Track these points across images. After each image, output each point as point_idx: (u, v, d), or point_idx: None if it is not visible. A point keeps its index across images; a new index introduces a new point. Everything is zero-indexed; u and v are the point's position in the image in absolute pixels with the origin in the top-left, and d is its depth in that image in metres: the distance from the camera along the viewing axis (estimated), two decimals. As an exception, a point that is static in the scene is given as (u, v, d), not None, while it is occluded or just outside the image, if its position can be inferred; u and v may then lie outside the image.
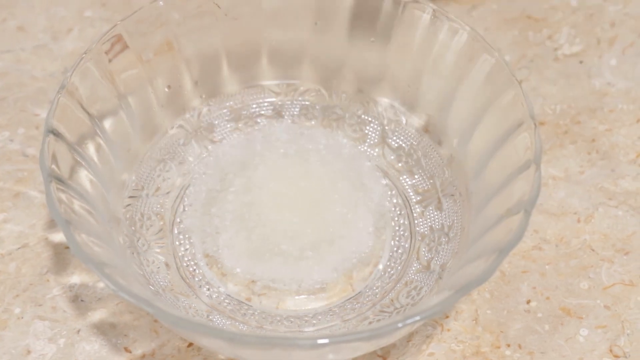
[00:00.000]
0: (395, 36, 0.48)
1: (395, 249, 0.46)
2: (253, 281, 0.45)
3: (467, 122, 0.46)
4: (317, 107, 0.51)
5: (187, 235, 0.46)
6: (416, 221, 0.47)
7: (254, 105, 0.51)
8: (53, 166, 0.40)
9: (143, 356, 0.44)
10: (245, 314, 0.44)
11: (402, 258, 0.46)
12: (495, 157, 0.44)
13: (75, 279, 0.46)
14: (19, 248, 0.47)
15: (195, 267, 0.45)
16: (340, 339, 0.36)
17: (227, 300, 0.44)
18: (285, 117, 0.51)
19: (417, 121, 0.49)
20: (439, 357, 0.44)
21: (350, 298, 0.44)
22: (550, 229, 0.48)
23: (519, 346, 0.45)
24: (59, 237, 0.48)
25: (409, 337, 0.45)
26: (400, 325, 0.37)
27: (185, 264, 0.45)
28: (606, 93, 0.54)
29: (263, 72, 0.51)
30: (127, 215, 0.46)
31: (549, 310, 0.46)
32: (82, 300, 0.46)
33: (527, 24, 0.58)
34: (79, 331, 0.45)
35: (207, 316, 0.43)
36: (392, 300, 0.44)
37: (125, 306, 0.45)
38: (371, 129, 0.50)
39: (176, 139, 0.49)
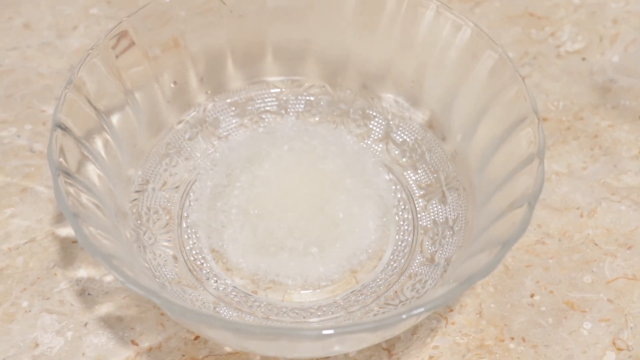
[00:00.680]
0: (399, 32, 0.48)
1: (399, 242, 0.47)
2: (258, 275, 0.45)
3: (470, 117, 0.47)
4: (322, 102, 0.51)
5: (193, 230, 0.47)
6: (419, 215, 0.47)
7: (259, 101, 0.51)
8: (61, 160, 0.41)
9: (150, 349, 0.44)
10: (251, 305, 0.44)
11: (406, 251, 0.46)
12: (499, 151, 0.44)
13: (82, 272, 0.47)
14: (26, 242, 0.48)
15: (202, 261, 0.46)
16: (345, 330, 0.36)
17: (233, 293, 0.45)
18: (290, 113, 0.51)
19: (421, 116, 0.50)
20: (443, 350, 0.45)
21: (355, 291, 0.45)
22: (553, 224, 0.49)
23: (523, 339, 0.45)
24: (66, 231, 0.48)
25: (414, 331, 0.45)
26: (404, 316, 0.37)
27: (192, 258, 0.46)
28: (608, 89, 0.55)
29: (268, 69, 0.51)
30: (134, 210, 0.46)
31: (552, 303, 0.46)
32: (89, 294, 0.46)
33: (530, 21, 0.58)
34: (86, 324, 0.45)
35: (214, 308, 0.44)
36: (396, 292, 0.44)
37: (131, 299, 0.46)
38: (375, 124, 0.50)
39: (182, 134, 0.50)
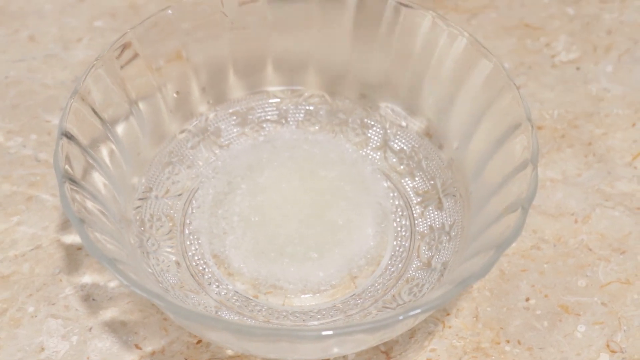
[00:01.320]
0: (396, 43, 0.50)
1: (397, 248, 0.48)
2: (259, 280, 0.46)
3: (466, 125, 0.48)
4: (321, 112, 0.52)
5: (195, 236, 0.48)
6: (416, 221, 0.48)
7: (260, 111, 0.52)
8: (67, 167, 0.42)
9: (153, 353, 0.45)
10: (252, 310, 0.45)
11: (403, 256, 0.47)
12: (494, 158, 0.45)
13: (87, 279, 0.48)
14: (32, 249, 0.49)
15: (204, 266, 0.47)
16: (344, 331, 0.37)
17: (235, 297, 0.46)
18: (290, 122, 0.52)
19: (418, 125, 0.51)
20: (440, 353, 0.45)
21: (354, 295, 0.46)
22: (548, 229, 0.50)
23: (518, 342, 0.46)
24: (71, 238, 0.49)
25: (411, 334, 0.46)
26: (401, 317, 0.38)
27: (194, 263, 0.47)
28: (602, 98, 0.56)
29: (268, 79, 0.52)
30: (138, 217, 0.47)
31: (547, 307, 0.47)
32: (93, 299, 0.47)
33: (525, 32, 0.59)
34: (90, 329, 0.46)
35: (216, 312, 0.45)
36: (394, 296, 0.45)
37: (135, 304, 0.47)
38: (374, 133, 0.52)
39: (184, 143, 0.51)
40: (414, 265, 0.46)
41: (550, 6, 0.61)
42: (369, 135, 0.52)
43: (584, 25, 0.60)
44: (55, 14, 0.60)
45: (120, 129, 0.47)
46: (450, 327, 0.46)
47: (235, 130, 0.52)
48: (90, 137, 0.45)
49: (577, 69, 0.57)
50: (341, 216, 0.48)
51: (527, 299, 0.47)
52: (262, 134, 0.52)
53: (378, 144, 0.51)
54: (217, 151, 0.51)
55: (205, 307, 0.45)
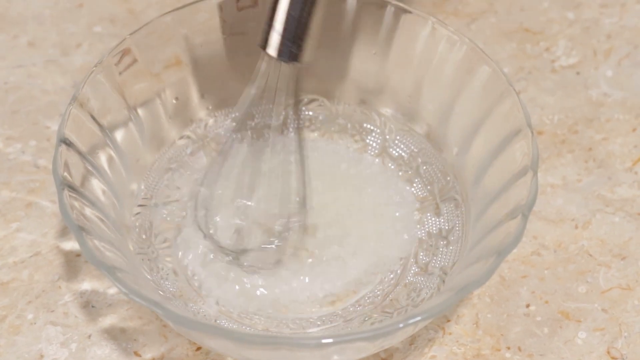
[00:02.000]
0: (395, 48, 0.49)
1: (395, 255, 0.47)
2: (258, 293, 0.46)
3: (466, 131, 0.48)
4: (320, 117, 0.52)
5: (190, 246, 0.47)
6: (414, 227, 0.48)
7: (259, 117, 0.52)
8: (65, 174, 0.41)
9: (152, 360, 0.45)
10: (251, 318, 0.45)
11: (401, 262, 0.47)
12: (493, 164, 0.45)
13: (86, 285, 0.48)
14: (31, 256, 0.49)
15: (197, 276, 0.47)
16: (344, 339, 0.37)
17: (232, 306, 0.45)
18: (290, 128, 0.52)
19: (417, 131, 0.51)
20: (440, 359, 0.45)
21: (353, 302, 0.46)
22: (548, 235, 0.50)
23: (519, 349, 0.46)
24: (70, 245, 0.49)
25: (412, 341, 0.46)
26: (401, 325, 0.38)
27: (190, 273, 0.47)
28: (602, 103, 0.56)
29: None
30: (137, 223, 0.47)
31: (548, 313, 0.47)
32: (92, 306, 0.47)
33: (525, 36, 0.59)
34: (90, 336, 0.46)
35: (215, 320, 0.44)
36: (392, 301, 0.45)
37: (134, 311, 0.46)
38: (373, 139, 0.51)
39: (183, 149, 0.50)
40: (412, 271, 0.46)
41: (549, 10, 0.60)
42: (368, 141, 0.51)
43: (584, 29, 0.59)
44: (54, 19, 0.60)
45: (119, 135, 0.47)
46: (450, 333, 0.46)
47: (234, 136, 0.51)
48: (89, 144, 0.45)
49: (577, 73, 0.57)
50: (345, 226, 0.48)
51: (528, 305, 0.47)
52: (261, 140, 0.51)
53: (377, 150, 0.51)
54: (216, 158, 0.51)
55: (204, 316, 0.45)
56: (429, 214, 0.48)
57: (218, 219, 0.47)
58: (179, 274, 0.46)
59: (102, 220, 0.43)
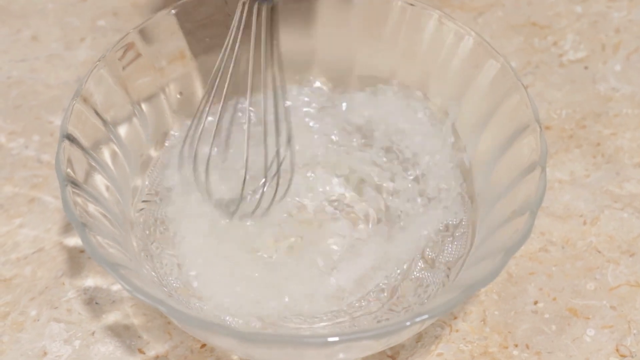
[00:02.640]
0: (402, 42, 0.49)
1: (402, 251, 0.47)
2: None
3: (474, 125, 0.47)
4: (326, 110, 0.51)
5: (193, 239, 0.47)
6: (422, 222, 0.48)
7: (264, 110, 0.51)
8: (68, 170, 0.41)
9: (157, 357, 0.45)
10: (257, 313, 0.44)
11: (408, 257, 0.46)
12: (501, 159, 0.45)
13: (90, 282, 0.47)
14: (34, 252, 0.48)
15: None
16: (350, 337, 0.37)
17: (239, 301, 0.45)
18: (294, 121, 0.51)
19: (426, 125, 0.50)
20: (447, 357, 0.45)
21: (359, 297, 0.45)
22: (556, 231, 0.49)
23: (527, 346, 0.45)
24: (73, 241, 0.48)
25: (418, 338, 0.45)
26: (408, 323, 0.37)
27: (193, 271, 0.46)
28: (611, 98, 0.55)
29: (273, 77, 0.51)
30: (141, 219, 0.47)
31: (555, 311, 0.46)
32: (96, 303, 0.46)
33: (533, 30, 0.58)
34: (93, 333, 0.45)
35: (221, 316, 0.44)
36: (399, 298, 0.45)
37: (138, 308, 0.46)
38: (379, 134, 0.51)
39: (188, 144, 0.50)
40: (419, 266, 0.46)
41: (557, 4, 0.60)
42: (375, 135, 0.51)
43: (591, 23, 0.59)
44: (57, 13, 0.59)
45: (123, 130, 0.47)
46: (457, 330, 0.46)
47: (241, 130, 0.51)
48: (92, 139, 0.44)
49: (585, 68, 0.56)
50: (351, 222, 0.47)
51: (535, 303, 0.47)
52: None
53: (383, 145, 0.50)
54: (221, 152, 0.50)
55: (210, 311, 0.44)
56: (436, 209, 0.48)
57: (215, 177, 0.47)
58: (183, 269, 0.46)
59: (105, 216, 0.42)
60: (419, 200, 0.48)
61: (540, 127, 0.43)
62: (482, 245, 0.43)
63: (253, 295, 0.45)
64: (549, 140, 0.53)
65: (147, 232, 0.46)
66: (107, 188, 0.44)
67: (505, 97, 0.45)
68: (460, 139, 0.48)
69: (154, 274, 0.45)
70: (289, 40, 0.50)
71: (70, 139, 0.42)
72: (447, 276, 0.44)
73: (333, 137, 0.50)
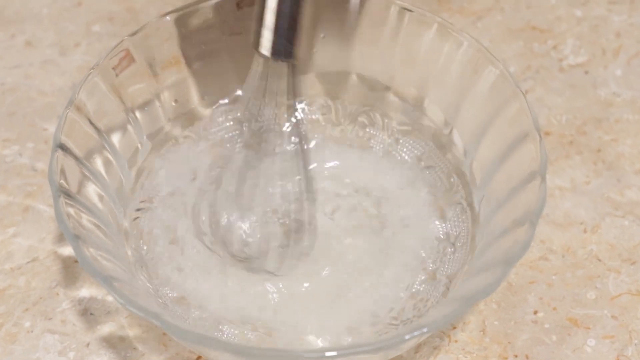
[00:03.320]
0: (400, 49, 0.48)
1: (401, 261, 0.46)
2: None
3: (473, 133, 0.46)
4: (323, 119, 0.51)
5: (190, 251, 0.46)
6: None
7: (259, 120, 0.51)
8: (61, 181, 0.40)
9: (152, 369, 0.44)
10: (254, 324, 0.44)
11: (407, 269, 0.46)
12: (501, 168, 0.44)
13: (85, 292, 0.47)
14: (28, 262, 0.48)
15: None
16: (348, 352, 0.36)
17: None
18: (292, 129, 0.51)
19: (423, 132, 0.49)
20: (446, 368, 0.44)
21: (358, 310, 0.45)
22: (556, 240, 0.49)
23: (527, 357, 0.45)
24: (68, 250, 0.48)
25: (417, 349, 0.45)
26: (407, 337, 0.37)
27: (192, 279, 0.45)
28: (611, 103, 0.54)
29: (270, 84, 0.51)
30: (136, 229, 0.46)
31: (556, 320, 0.46)
32: (91, 314, 0.46)
33: (532, 34, 0.58)
34: (88, 344, 0.45)
35: (218, 326, 0.43)
36: (398, 312, 0.44)
37: (134, 319, 0.45)
38: (377, 142, 0.50)
39: (184, 152, 0.49)
40: (419, 279, 0.45)
41: (557, 8, 0.59)
42: (371, 144, 0.50)
43: (592, 27, 0.58)
44: (52, 18, 0.58)
45: (117, 138, 0.46)
46: (456, 341, 0.45)
47: (238, 139, 0.50)
48: (86, 149, 0.43)
49: (586, 72, 0.56)
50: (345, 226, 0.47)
51: (535, 312, 0.46)
52: (265, 143, 0.50)
53: (381, 153, 0.50)
54: (217, 161, 0.50)
55: (206, 322, 0.44)
56: (434, 219, 0.47)
57: (224, 223, 0.46)
58: (179, 279, 0.45)
59: (99, 227, 0.42)
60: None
61: (540, 135, 0.42)
62: (481, 255, 0.42)
63: (249, 305, 0.44)
64: (549, 146, 0.52)
65: (142, 241, 0.46)
66: (101, 198, 0.43)
67: (505, 105, 0.44)
68: (458, 147, 0.47)
69: (149, 285, 0.44)
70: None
71: (64, 148, 0.42)
72: (448, 288, 0.44)
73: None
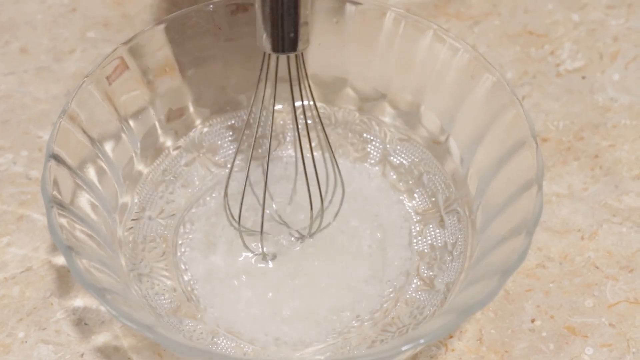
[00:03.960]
0: (396, 55, 0.48)
1: (396, 268, 0.46)
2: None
3: (469, 140, 0.46)
4: (319, 126, 0.50)
5: (190, 257, 0.46)
6: (415, 240, 0.47)
7: (256, 126, 0.50)
8: (54, 192, 0.40)
9: (147, 379, 0.44)
10: (250, 335, 0.43)
11: (401, 278, 0.45)
12: (498, 175, 0.44)
13: (79, 302, 0.46)
14: (22, 272, 0.47)
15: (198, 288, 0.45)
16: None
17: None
18: (287, 137, 0.51)
19: (419, 139, 0.49)
20: (443, 377, 0.44)
21: (352, 317, 0.44)
22: (554, 247, 0.48)
23: (524, 366, 0.44)
24: (62, 260, 0.48)
25: (413, 358, 0.44)
26: (404, 348, 0.36)
27: (190, 288, 0.45)
28: (609, 108, 0.54)
29: (264, 92, 0.50)
30: (130, 238, 0.46)
31: (553, 329, 0.45)
32: (85, 324, 0.45)
33: (529, 39, 0.57)
34: (82, 355, 0.44)
35: (212, 338, 0.43)
36: (393, 319, 0.44)
37: (128, 329, 0.45)
38: (373, 148, 0.50)
39: (178, 160, 0.49)
40: (414, 286, 0.45)
41: (554, 12, 0.59)
42: (368, 149, 0.50)
43: (589, 32, 0.58)
44: (47, 24, 0.58)
45: (111, 147, 0.46)
46: (453, 350, 0.45)
47: (231, 146, 0.50)
48: (79, 158, 0.43)
49: (583, 77, 0.55)
50: (342, 235, 0.47)
51: (533, 321, 0.46)
52: (259, 151, 0.50)
53: (377, 159, 0.50)
54: (213, 169, 0.49)
55: (201, 333, 0.43)
56: (431, 226, 0.47)
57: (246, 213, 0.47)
58: (177, 289, 0.45)
59: (92, 237, 0.41)
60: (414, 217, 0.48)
61: (536, 143, 0.42)
62: (477, 265, 0.42)
63: (246, 315, 0.44)
64: (546, 152, 0.52)
65: (137, 251, 0.45)
66: (95, 208, 0.43)
67: (501, 112, 0.44)
68: (455, 155, 0.47)
69: (143, 295, 0.44)
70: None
71: (57, 159, 0.41)
72: (446, 297, 0.43)
73: None
